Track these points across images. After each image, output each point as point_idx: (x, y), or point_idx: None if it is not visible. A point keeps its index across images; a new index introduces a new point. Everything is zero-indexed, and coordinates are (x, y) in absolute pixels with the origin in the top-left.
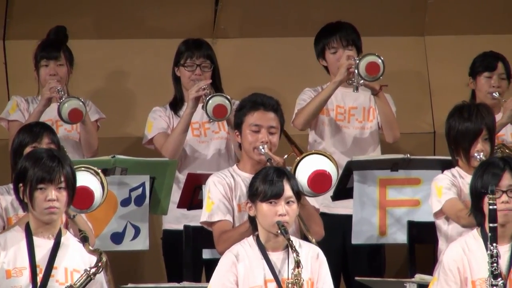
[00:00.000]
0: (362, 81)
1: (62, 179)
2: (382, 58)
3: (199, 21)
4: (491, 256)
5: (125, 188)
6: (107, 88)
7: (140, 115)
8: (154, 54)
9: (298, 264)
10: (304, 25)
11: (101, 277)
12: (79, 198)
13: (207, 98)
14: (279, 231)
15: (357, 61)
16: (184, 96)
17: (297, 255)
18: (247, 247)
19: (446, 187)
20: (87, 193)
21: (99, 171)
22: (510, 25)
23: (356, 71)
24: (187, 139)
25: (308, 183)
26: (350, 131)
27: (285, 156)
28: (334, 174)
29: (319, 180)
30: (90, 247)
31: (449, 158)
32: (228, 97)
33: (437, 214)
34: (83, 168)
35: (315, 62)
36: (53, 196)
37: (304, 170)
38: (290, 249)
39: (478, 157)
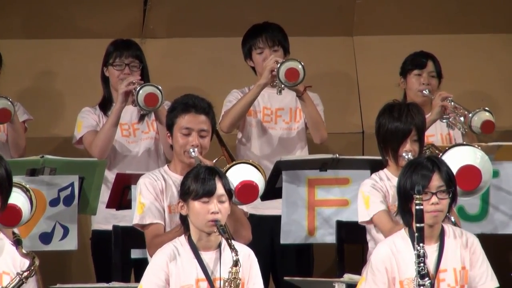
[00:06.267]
0: (283, 85)
1: None
2: (302, 64)
3: (127, 21)
4: (418, 256)
5: (54, 188)
6: (35, 88)
7: (69, 115)
8: (82, 54)
9: (236, 263)
10: (233, 25)
11: (33, 280)
12: (6, 215)
13: (138, 88)
14: (216, 230)
15: (278, 66)
16: (113, 96)
17: (236, 254)
18: (179, 246)
19: (372, 199)
20: (15, 211)
21: (29, 187)
22: (438, 26)
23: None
24: (117, 139)
25: (235, 193)
26: (276, 132)
27: (215, 160)
28: (262, 185)
29: (246, 191)
30: (23, 251)
31: (378, 158)
32: (159, 86)
33: (366, 223)
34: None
35: (243, 62)
36: None
37: (232, 179)
38: (229, 248)
39: (406, 157)
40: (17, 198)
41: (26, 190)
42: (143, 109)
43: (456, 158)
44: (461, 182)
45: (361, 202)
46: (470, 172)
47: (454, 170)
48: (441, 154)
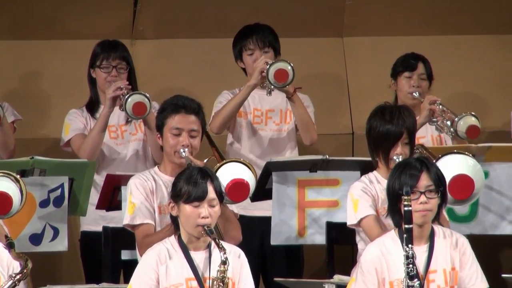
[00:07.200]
0: (272, 86)
1: None
2: (292, 65)
3: (117, 22)
4: (407, 257)
5: (44, 189)
6: (24, 89)
7: (57, 116)
8: (72, 55)
9: (224, 262)
10: (222, 26)
11: (23, 282)
12: None
13: (126, 97)
14: (204, 233)
15: (267, 67)
16: (100, 98)
17: (224, 253)
18: (169, 246)
19: (362, 202)
20: (6, 198)
21: (19, 177)
22: (429, 27)
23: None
24: (105, 141)
25: (226, 192)
26: (266, 133)
27: (205, 160)
28: (252, 183)
29: (237, 189)
30: (15, 253)
31: (368, 159)
32: (147, 94)
33: (354, 226)
34: (1, 174)
35: (233, 63)
36: None
37: (223, 178)
38: (217, 247)
39: (397, 160)
40: (8, 186)
41: (16, 181)
42: (131, 117)
43: (449, 167)
44: (454, 191)
45: (350, 205)
46: (463, 181)
47: (447, 180)
48: (434, 160)
